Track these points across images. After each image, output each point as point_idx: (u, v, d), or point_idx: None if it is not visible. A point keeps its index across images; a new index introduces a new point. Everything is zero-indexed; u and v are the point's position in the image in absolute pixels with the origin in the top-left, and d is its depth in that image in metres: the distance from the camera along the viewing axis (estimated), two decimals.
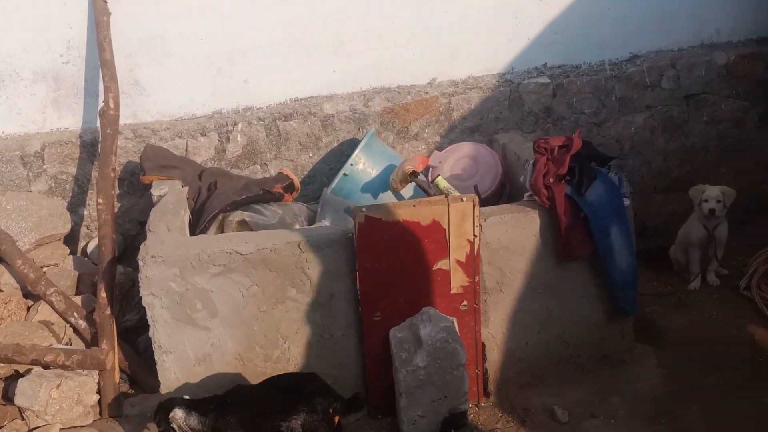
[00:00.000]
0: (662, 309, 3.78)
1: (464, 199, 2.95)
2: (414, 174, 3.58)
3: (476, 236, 2.97)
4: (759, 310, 3.66)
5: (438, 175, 3.61)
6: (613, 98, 4.30)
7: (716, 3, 4.38)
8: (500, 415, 3.10)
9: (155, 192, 3.53)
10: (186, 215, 3.35)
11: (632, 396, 3.11)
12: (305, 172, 4.10)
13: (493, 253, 3.09)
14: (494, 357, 3.19)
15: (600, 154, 3.26)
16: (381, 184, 3.81)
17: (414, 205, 2.94)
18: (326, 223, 3.49)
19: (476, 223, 2.96)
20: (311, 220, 3.62)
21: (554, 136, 3.35)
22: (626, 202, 3.16)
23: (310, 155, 4.08)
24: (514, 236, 3.10)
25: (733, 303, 3.78)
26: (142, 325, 3.21)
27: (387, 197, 3.75)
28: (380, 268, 2.95)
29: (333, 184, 3.78)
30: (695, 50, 4.39)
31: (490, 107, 4.20)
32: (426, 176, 3.77)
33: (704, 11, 4.37)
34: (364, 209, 2.89)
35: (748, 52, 4.41)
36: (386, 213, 2.90)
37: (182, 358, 2.97)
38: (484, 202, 3.45)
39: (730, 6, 4.40)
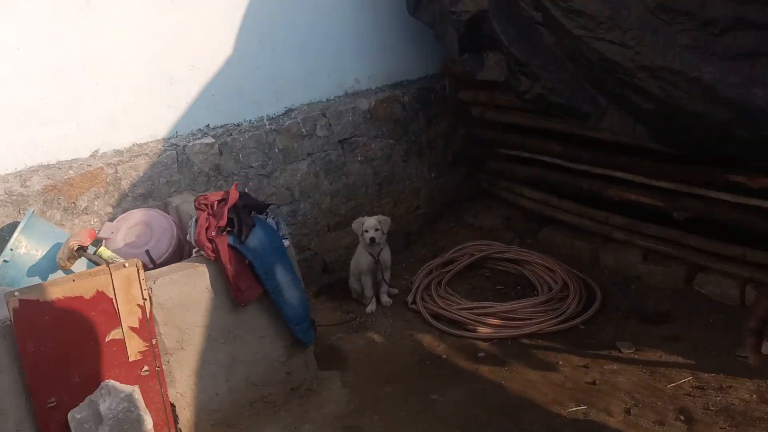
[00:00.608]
0: (345, 335, 4.09)
1: (127, 264, 2.96)
2: (81, 249, 3.49)
3: (146, 299, 2.99)
4: (425, 320, 4.12)
5: (101, 246, 3.55)
6: (276, 150, 4.60)
7: (352, 56, 4.92)
8: None
9: None
10: None
11: (322, 420, 3.31)
12: None
13: (169, 312, 3.13)
14: (186, 415, 3.20)
15: (257, 202, 3.48)
16: (49, 265, 3.62)
17: (73, 280, 2.88)
18: None
19: (144, 287, 2.98)
20: None
21: (214, 192, 3.51)
22: (286, 243, 3.40)
23: None
24: (186, 292, 3.17)
25: (404, 317, 4.22)
26: None
27: (59, 276, 3.59)
28: (47, 351, 2.82)
29: None
30: (341, 99, 4.87)
31: (160, 172, 4.25)
32: (97, 249, 3.68)
33: (343, 65, 4.88)
34: (16, 293, 2.76)
35: (385, 97, 5.02)
36: (43, 293, 2.80)
37: None
38: (164, 264, 3.49)
39: (364, 58, 4.97)
